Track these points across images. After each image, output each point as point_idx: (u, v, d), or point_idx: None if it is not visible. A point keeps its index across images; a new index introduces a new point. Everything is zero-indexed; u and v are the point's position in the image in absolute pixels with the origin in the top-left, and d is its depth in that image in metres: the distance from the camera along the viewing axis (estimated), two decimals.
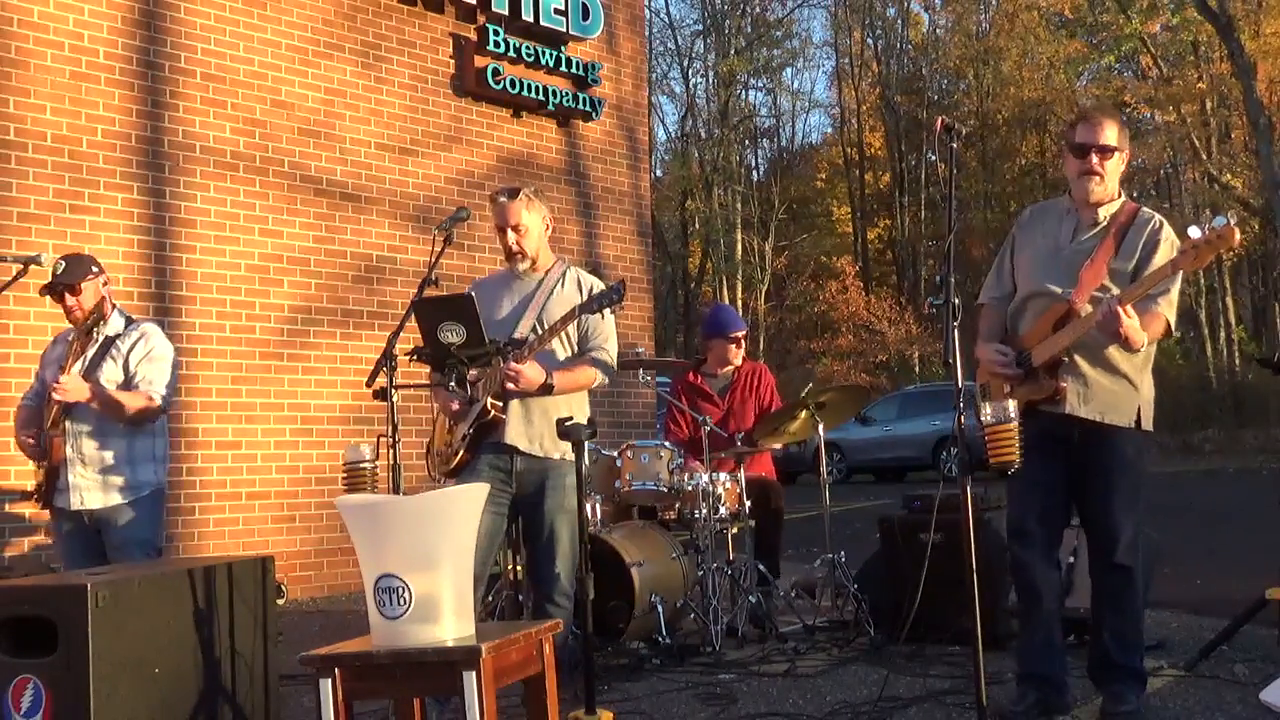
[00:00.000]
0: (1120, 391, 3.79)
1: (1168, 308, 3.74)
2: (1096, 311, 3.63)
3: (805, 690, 4.38)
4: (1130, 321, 3.55)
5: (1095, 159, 3.81)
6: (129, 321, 4.60)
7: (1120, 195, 3.92)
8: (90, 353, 4.46)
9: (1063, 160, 4.01)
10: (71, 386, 4.29)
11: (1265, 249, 30.20)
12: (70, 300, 4.46)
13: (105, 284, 4.56)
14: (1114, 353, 3.74)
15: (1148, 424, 3.84)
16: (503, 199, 4.28)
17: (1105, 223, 3.85)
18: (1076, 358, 3.76)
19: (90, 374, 4.40)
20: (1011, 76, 35.38)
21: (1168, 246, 3.77)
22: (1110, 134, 3.83)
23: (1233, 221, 3.41)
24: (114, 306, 4.59)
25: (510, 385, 4.00)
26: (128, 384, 4.43)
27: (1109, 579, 3.84)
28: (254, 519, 7.61)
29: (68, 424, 4.39)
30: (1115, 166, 3.85)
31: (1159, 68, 29.07)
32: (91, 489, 4.39)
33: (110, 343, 4.47)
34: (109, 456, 4.40)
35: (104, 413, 4.38)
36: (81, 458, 4.39)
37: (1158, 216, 3.85)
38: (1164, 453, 21.93)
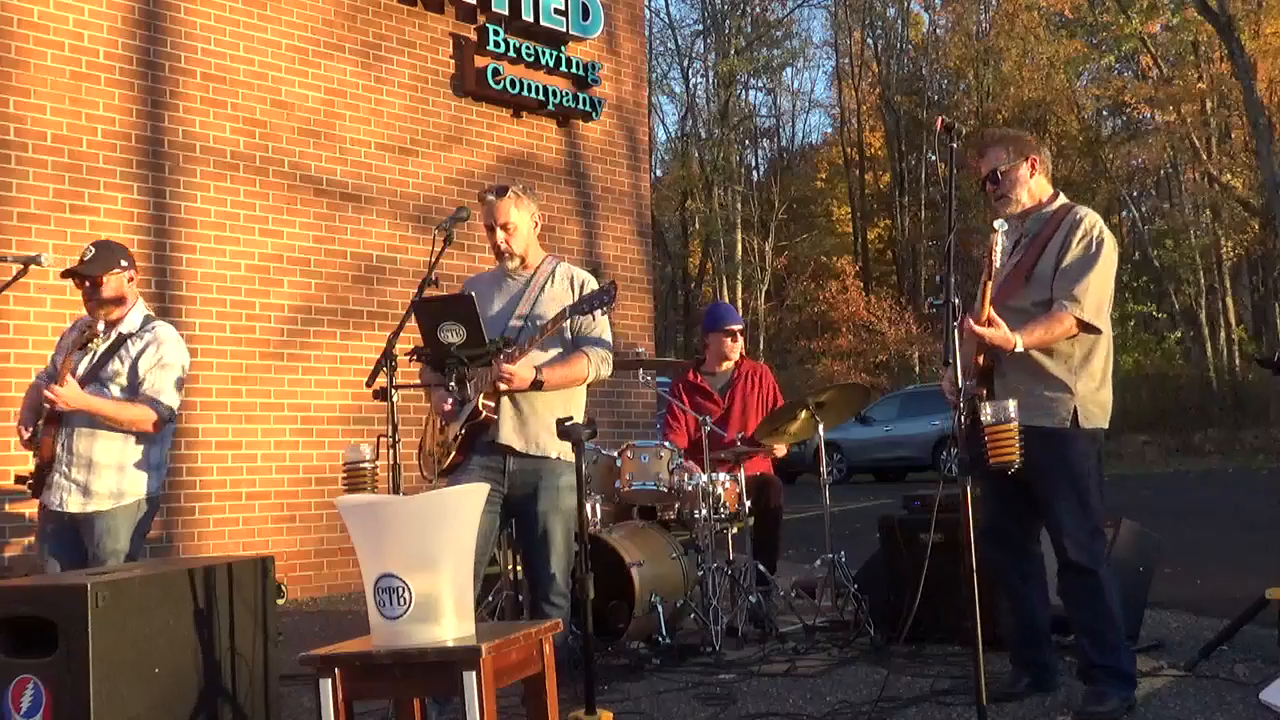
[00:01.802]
0: (1051, 395, 3.88)
1: (1075, 307, 3.82)
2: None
3: (805, 690, 4.38)
4: (988, 331, 3.71)
5: (990, 187, 4.06)
6: (146, 321, 4.42)
7: (1054, 198, 4.07)
8: (101, 349, 4.32)
9: None
10: (68, 396, 4.14)
11: (1265, 249, 30.19)
12: (87, 289, 4.32)
13: (131, 280, 4.41)
14: (1041, 357, 3.86)
15: (1089, 422, 3.91)
16: (491, 197, 4.26)
17: (1035, 232, 4.01)
18: (1007, 369, 3.88)
19: (96, 372, 4.28)
20: (1011, 76, 35.36)
21: (1082, 244, 3.88)
22: (992, 159, 4.04)
23: (999, 228, 3.64)
24: (134, 303, 4.44)
25: (502, 386, 3.99)
26: (133, 388, 4.29)
27: (1067, 578, 3.94)
28: (254, 519, 7.61)
29: (63, 422, 4.24)
30: (1018, 178, 4.03)
31: (1159, 68, 29.06)
32: (73, 492, 4.25)
33: (123, 341, 4.33)
34: (99, 460, 4.25)
35: (109, 423, 4.25)
36: (70, 458, 4.24)
37: (1079, 213, 3.95)
38: (1164, 453, 21.94)
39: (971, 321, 3.70)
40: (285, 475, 7.78)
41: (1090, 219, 3.92)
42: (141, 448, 4.34)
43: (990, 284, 3.72)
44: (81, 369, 4.30)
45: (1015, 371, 3.88)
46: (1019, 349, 3.76)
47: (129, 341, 4.34)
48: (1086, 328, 3.85)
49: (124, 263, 4.40)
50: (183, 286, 7.39)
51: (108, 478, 4.27)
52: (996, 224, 3.65)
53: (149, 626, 3.19)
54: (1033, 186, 4.04)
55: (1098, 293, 3.85)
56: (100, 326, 4.35)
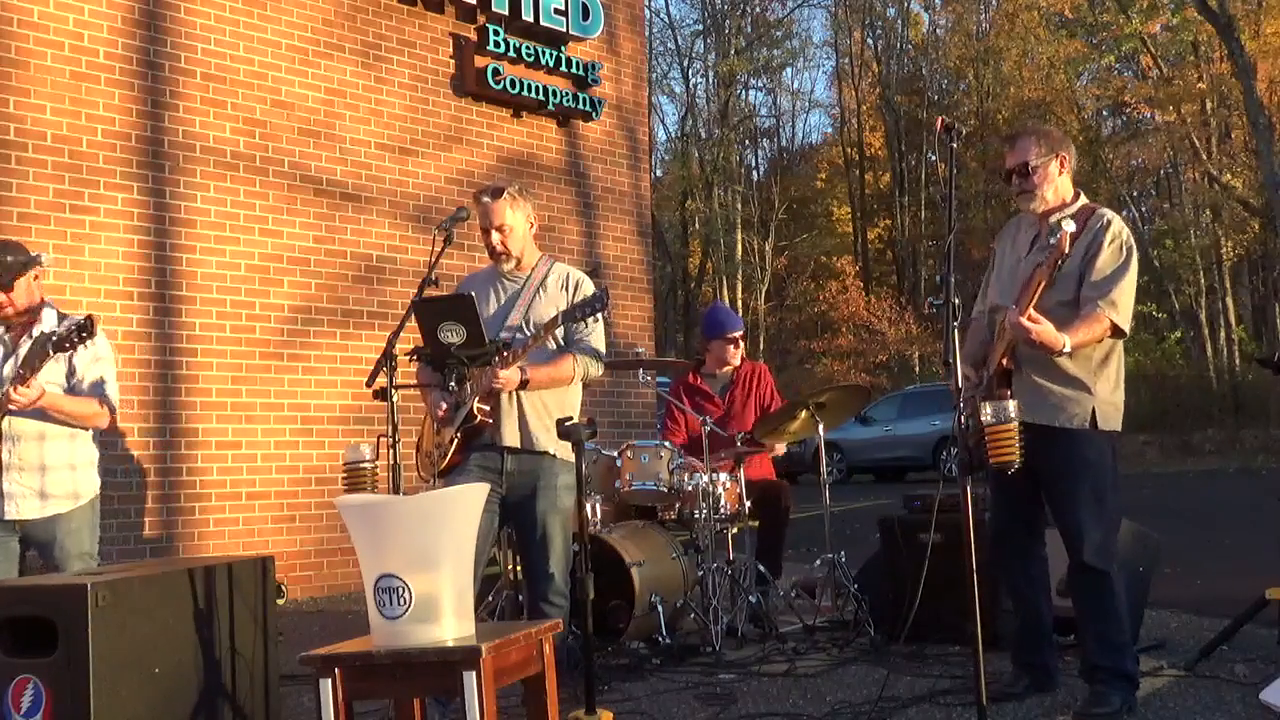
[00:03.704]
0: (1071, 396, 3.87)
1: (1110, 309, 3.81)
2: (1008, 320, 3.73)
3: (805, 690, 4.38)
4: (1039, 327, 3.66)
5: (1016, 181, 3.98)
6: (62, 317, 4.28)
7: (1076, 198, 4.02)
8: (22, 351, 4.15)
9: None
10: (33, 395, 3.98)
11: (1265, 249, 30.19)
12: (0, 297, 4.14)
13: (37, 278, 4.24)
14: (1062, 358, 3.82)
15: (1106, 424, 3.92)
16: (486, 199, 4.22)
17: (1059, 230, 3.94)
18: (1025, 368, 3.87)
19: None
20: (1011, 76, 35.39)
21: (1114, 247, 3.85)
22: (1027, 152, 3.96)
23: (1067, 229, 3.59)
24: (45, 302, 4.31)
25: (498, 387, 3.99)
26: (71, 387, 4.20)
27: (1081, 580, 3.93)
28: (254, 519, 7.61)
29: (7, 427, 4.09)
30: (1047, 176, 3.97)
31: (1159, 68, 29.07)
32: (28, 497, 4.14)
33: (45, 342, 4.07)
34: (50, 463, 4.17)
35: (56, 419, 4.15)
36: (20, 464, 4.12)
37: (1107, 217, 3.91)
38: (1164, 453, 21.95)
39: (1023, 318, 3.64)
40: (285, 475, 7.78)
41: (1118, 223, 3.90)
42: (86, 446, 4.29)
43: (1045, 284, 3.67)
44: (7, 370, 4.15)
45: (1035, 371, 3.86)
46: (1066, 349, 3.73)
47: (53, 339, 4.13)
48: (1117, 331, 3.85)
49: (27, 264, 4.20)
50: (183, 286, 7.39)
51: (62, 479, 4.20)
52: (1066, 224, 3.61)
53: (149, 626, 3.19)
54: (1060, 185, 3.99)
55: (1129, 297, 3.86)
56: (2, 330, 4.22)
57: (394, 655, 2.77)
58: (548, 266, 4.31)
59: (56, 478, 4.19)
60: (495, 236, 4.21)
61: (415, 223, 8.56)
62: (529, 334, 4.09)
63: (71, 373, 4.22)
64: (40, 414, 4.12)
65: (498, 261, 4.26)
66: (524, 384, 4.04)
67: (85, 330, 3.98)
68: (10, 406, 4.01)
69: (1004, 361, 3.85)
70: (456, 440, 4.09)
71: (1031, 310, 3.67)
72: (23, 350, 4.16)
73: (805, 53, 41.38)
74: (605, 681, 4.57)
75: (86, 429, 4.27)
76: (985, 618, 3.39)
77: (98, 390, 4.23)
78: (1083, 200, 4.03)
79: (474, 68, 8.91)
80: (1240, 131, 28.87)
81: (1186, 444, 22.51)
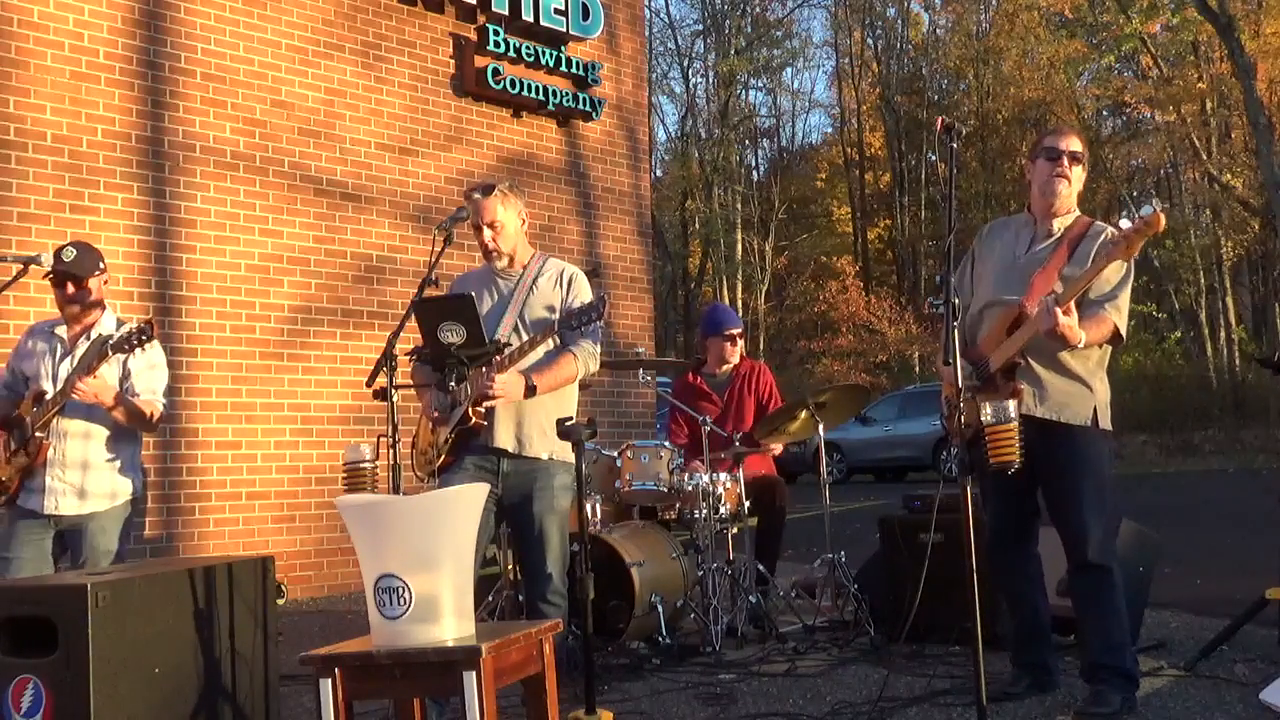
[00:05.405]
0: (1074, 392, 3.92)
1: (1115, 313, 3.88)
2: (1037, 309, 3.75)
3: (805, 690, 4.38)
4: (1066, 319, 3.69)
5: (1066, 162, 3.99)
6: (120, 323, 4.44)
7: (1075, 210, 4.10)
8: (78, 351, 4.32)
9: (1030, 169, 4.14)
10: (98, 389, 4.13)
11: (1265, 249, 30.19)
12: (72, 290, 4.33)
13: (106, 282, 4.49)
14: (1066, 355, 3.88)
15: (1105, 424, 3.98)
16: (477, 195, 4.22)
17: (1059, 234, 4.01)
18: (1030, 360, 3.90)
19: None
20: (1011, 76, 35.37)
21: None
22: (1078, 143, 4.04)
23: (1158, 209, 3.59)
24: (105, 306, 4.49)
25: (493, 398, 3.97)
26: (124, 391, 4.31)
27: (1083, 579, 3.94)
28: (254, 519, 7.61)
29: (54, 423, 4.22)
30: (1079, 176, 4.04)
31: (1159, 68, 29.07)
32: (68, 494, 4.24)
33: (104, 343, 4.26)
34: (93, 461, 4.27)
35: (117, 419, 4.26)
36: (64, 461, 4.24)
37: (1109, 229, 3.98)
38: (1164, 453, 21.94)
39: (1059, 309, 3.66)
40: (285, 475, 7.78)
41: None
42: (131, 448, 4.41)
43: (1088, 276, 3.72)
44: (63, 371, 4.29)
45: (1041, 367, 3.90)
46: (1081, 345, 3.79)
47: (110, 343, 4.27)
48: (1116, 336, 3.92)
49: (101, 265, 4.44)
50: (183, 286, 7.39)
51: (103, 478, 4.31)
52: (1156, 205, 3.64)
53: (149, 626, 3.19)
54: (1076, 194, 4.08)
55: (1128, 305, 3.94)
56: (62, 330, 4.39)
57: (394, 655, 2.77)
58: (540, 263, 4.30)
59: (97, 476, 4.30)
60: (486, 233, 4.21)
61: (415, 223, 8.56)
62: (524, 338, 4.08)
63: (125, 376, 4.35)
64: (88, 413, 4.25)
65: (490, 260, 4.26)
66: (532, 391, 4.03)
67: (144, 334, 4.14)
68: (74, 397, 4.14)
69: (1015, 358, 3.86)
70: (450, 441, 4.09)
71: (1068, 303, 3.72)
72: (79, 350, 4.34)
73: (805, 53, 41.39)
74: (605, 681, 4.57)
75: (133, 430, 4.39)
76: (985, 618, 3.39)
77: (149, 396, 4.37)
78: (1078, 212, 4.10)
79: (474, 68, 8.91)
80: (1240, 131, 28.87)
81: (1186, 444, 22.51)
